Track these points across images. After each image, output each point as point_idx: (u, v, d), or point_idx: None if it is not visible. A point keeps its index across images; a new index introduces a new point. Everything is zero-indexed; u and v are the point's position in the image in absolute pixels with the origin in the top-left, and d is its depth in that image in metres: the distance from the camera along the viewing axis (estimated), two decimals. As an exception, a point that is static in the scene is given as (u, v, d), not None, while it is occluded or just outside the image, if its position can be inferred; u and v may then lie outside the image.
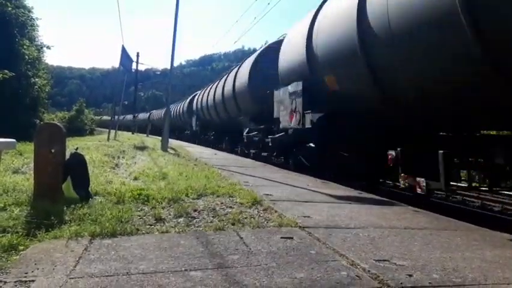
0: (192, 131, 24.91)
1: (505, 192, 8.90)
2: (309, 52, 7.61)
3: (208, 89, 20.77)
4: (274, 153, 11.14)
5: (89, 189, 4.16)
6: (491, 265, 2.50)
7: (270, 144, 10.41)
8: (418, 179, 5.00)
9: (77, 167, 4.10)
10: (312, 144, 7.98)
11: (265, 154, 11.85)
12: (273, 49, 11.40)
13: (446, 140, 5.76)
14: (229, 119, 16.23)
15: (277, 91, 9.27)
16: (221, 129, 18.84)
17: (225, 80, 16.67)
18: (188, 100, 27.56)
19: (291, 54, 8.82)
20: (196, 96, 24.53)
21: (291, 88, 8.28)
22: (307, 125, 7.55)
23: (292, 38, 9.18)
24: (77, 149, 4.44)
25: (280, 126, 9.02)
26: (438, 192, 9.60)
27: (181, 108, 31.16)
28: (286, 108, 8.53)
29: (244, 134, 13.73)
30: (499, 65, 3.76)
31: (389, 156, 5.49)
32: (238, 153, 15.15)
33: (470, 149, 5.08)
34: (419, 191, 5.00)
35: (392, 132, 6.00)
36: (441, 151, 4.60)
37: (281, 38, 11.19)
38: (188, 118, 25.90)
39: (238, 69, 15.12)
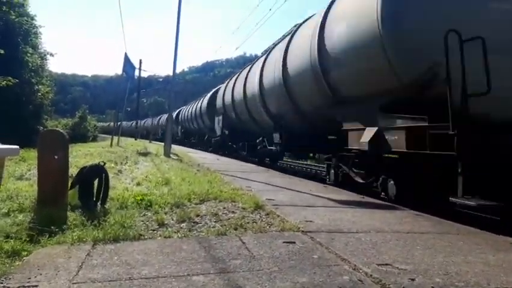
0: (178, 136, 32.72)
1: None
2: (223, 101, 16.83)
3: (189, 107, 30.94)
4: (215, 148, 20.40)
5: (99, 203, 4.01)
6: (494, 269, 2.49)
7: (212, 142, 21.00)
8: (243, 152, 15.91)
9: (89, 179, 4.08)
10: (229, 143, 17.30)
11: (211, 149, 21.54)
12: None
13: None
14: (199, 129, 26.31)
15: (216, 117, 18.46)
16: (195, 135, 28.95)
17: (196, 104, 27.02)
18: (176, 113, 34.20)
19: (219, 100, 18.20)
20: (181, 111, 34.05)
21: (219, 116, 17.69)
22: (225, 134, 16.96)
23: (220, 91, 18.46)
24: (104, 164, 4.36)
25: (216, 134, 18.46)
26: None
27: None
28: (218, 125, 17.80)
29: (205, 139, 23.94)
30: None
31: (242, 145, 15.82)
32: (203, 150, 23.44)
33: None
34: (243, 154, 15.95)
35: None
36: (246, 142, 15.07)
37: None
38: (176, 127, 32.80)
39: (203, 99, 24.70)
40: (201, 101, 25.57)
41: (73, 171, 5.13)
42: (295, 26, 10.18)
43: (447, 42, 4.22)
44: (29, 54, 18.03)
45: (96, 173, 4.17)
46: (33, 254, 2.61)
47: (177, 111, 35.37)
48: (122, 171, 7.31)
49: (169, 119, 14.72)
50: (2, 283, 2.13)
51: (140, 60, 39.37)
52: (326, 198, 5.28)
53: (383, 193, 5.81)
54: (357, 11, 5.94)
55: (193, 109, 27.56)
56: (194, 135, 29.36)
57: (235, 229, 3.35)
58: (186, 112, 31.07)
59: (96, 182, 4.12)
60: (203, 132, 25.05)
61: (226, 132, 16.68)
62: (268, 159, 14.75)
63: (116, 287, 2.08)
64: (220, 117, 17.32)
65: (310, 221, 3.71)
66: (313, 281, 2.21)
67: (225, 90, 17.13)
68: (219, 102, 18.17)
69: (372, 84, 5.85)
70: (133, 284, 2.12)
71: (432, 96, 4.77)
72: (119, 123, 24.34)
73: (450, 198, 4.33)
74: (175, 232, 3.24)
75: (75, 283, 2.12)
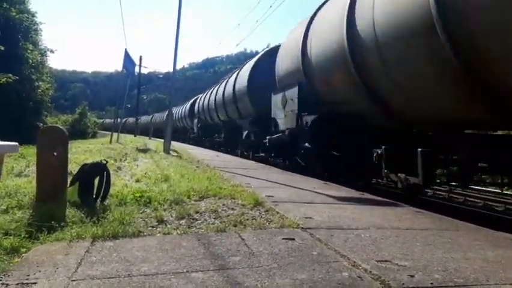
0: (193, 133, 25.46)
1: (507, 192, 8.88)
2: (303, 58, 8.04)
3: (209, 92, 21.37)
4: (272, 154, 11.28)
5: (98, 200, 3.98)
6: (493, 265, 2.49)
7: (267, 144, 10.32)
8: (399, 174, 5.34)
9: (90, 176, 4.07)
10: (307, 144, 7.90)
11: (262, 155, 12.29)
12: (270, 55, 12.02)
13: (425, 138, 5.92)
14: (230, 121, 16.80)
15: (274, 95, 9.70)
16: (220, 131, 19.37)
17: (226, 83, 17.20)
18: (189, 103, 28.19)
19: (287, 60, 9.27)
20: (198, 100, 25.10)
21: (288, 92, 8.70)
22: (303, 126, 7.91)
23: (288, 45, 9.58)
24: (107, 162, 4.36)
25: (278, 127, 9.41)
26: (440, 192, 9.61)
27: (182, 112, 31.59)
28: (284, 110, 8.94)
29: (244, 136, 14.27)
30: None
31: (374, 154, 5.82)
32: (238, 154, 15.42)
33: (445, 146, 5.28)
34: (399, 185, 5.42)
35: (376, 131, 6.39)
36: (419, 149, 4.90)
37: (278, 44, 11.66)
38: (190, 121, 26.56)
39: (238, 73, 15.60)
40: (233, 76, 16.03)
41: (72, 167, 5.13)
42: None
43: None
44: (29, 51, 18.03)
45: (98, 170, 4.15)
46: (32, 251, 2.61)
47: (192, 100, 27.90)
48: (122, 167, 7.31)
49: (169, 115, 14.73)
50: (0, 280, 2.12)
51: (141, 57, 39.39)
52: (325, 195, 5.27)
53: None
54: None
55: (219, 93, 17.97)
56: (218, 131, 19.59)
57: (235, 226, 3.35)
58: (206, 100, 21.36)
59: (96, 180, 4.11)
60: (237, 125, 15.54)
61: (308, 121, 7.71)
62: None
63: (115, 283, 2.08)
64: (294, 91, 8.34)
65: (310, 218, 3.70)
66: (313, 277, 2.21)
67: (308, 29, 8.13)
68: (290, 62, 8.95)
69: None
70: (132, 280, 2.12)
71: None
72: (124, 119, 24.30)
73: None
74: (174, 229, 3.24)
75: (74, 280, 2.12)
